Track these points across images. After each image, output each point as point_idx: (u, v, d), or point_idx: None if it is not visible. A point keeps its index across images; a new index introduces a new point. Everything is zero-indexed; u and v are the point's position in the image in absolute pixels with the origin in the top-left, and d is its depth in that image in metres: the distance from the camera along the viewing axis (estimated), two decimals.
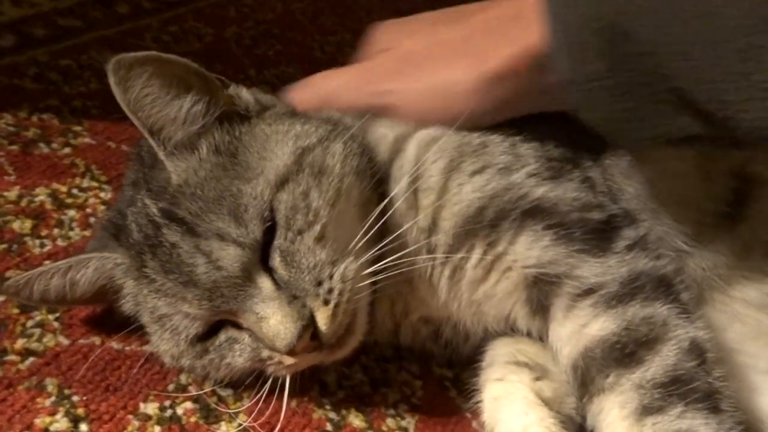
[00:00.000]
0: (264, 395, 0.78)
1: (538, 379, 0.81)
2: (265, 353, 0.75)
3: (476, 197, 0.79)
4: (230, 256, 0.71)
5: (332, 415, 0.82)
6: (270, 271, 0.73)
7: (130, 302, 0.78)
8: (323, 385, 0.86)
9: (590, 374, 0.73)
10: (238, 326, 0.75)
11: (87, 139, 1.11)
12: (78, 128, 1.12)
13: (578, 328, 0.75)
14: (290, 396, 0.81)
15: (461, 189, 0.80)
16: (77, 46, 1.30)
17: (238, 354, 0.75)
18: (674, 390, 0.68)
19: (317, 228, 0.73)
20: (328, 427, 0.80)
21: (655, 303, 0.73)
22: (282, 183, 0.73)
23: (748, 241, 0.83)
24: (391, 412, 0.84)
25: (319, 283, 0.72)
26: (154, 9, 1.50)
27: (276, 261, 0.73)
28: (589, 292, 0.75)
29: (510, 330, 0.85)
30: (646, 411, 0.68)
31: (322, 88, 0.90)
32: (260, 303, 0.71)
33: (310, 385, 0.84)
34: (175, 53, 0.75)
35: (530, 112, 0.83)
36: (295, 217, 0.72)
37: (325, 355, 0.76)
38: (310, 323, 0.71)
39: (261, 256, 0.72)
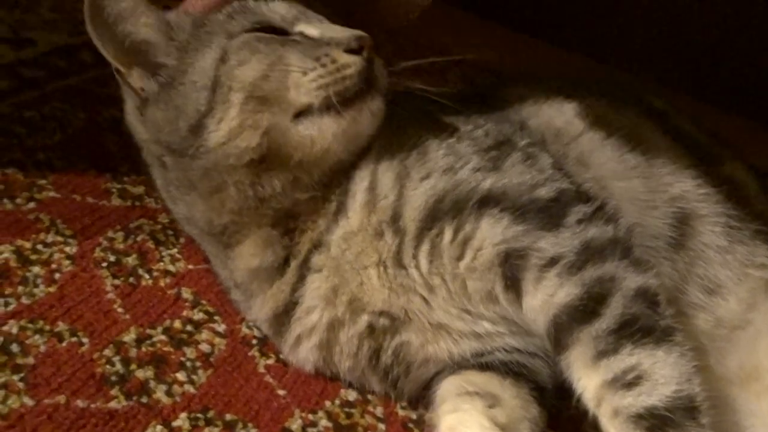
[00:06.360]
0: None
1: (491, 407, 0.85)
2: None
3: (429, 195, 0.86)
4: None
5: None
6: None
7: None
8: None
9: (559, 336, 0.80)
10: None
11: (52, 193, 1.12)
12: (43, 182, 1.13)
13: (547, 298, 0.81)
14: None
15: (415, 192, 0.86)
16: (41, 96, 1.31)
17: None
18: (624, 333, 0.77)
19: None
20: None
21: (605, 263, 0.81)
22: None
23: (684, 274, 0.91)
24: None
25: None
26: None
27: None
28: (552, 262, 0.81)
29: (477, 338, 0.90)
30: (601, 355, 0.76)
31: None
32: None
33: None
34: None
35: None
36: None
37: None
38: None
39: None
